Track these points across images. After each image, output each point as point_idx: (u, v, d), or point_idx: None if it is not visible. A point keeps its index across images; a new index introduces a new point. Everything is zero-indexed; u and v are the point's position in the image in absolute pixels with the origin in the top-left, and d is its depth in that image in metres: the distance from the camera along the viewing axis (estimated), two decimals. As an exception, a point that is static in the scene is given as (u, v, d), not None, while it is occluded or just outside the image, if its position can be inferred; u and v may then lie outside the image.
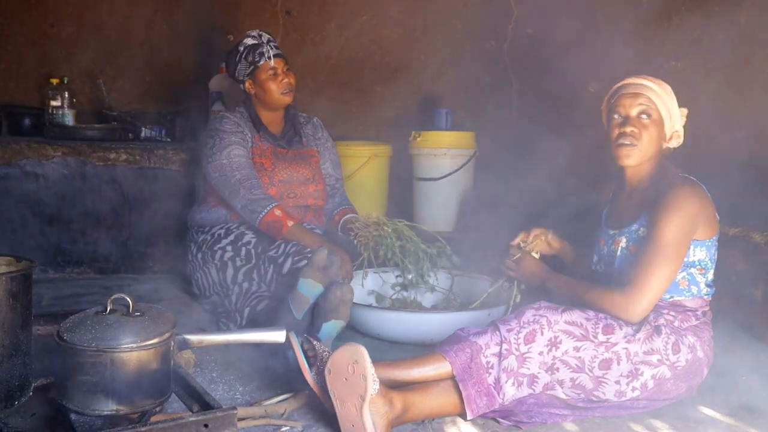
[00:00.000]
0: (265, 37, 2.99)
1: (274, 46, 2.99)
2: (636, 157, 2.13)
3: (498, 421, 2.03)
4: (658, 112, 2.12)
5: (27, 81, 4.13)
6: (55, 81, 3.92)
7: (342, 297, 2.42)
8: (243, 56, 2.96)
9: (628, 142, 2.12)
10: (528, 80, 4.09)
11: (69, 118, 3.88)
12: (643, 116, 2.12)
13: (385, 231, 2.84)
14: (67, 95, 3.91)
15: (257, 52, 2.95)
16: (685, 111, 2.18)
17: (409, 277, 2.90)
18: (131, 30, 4.29)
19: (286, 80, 2.98)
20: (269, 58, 2.95)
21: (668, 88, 2.16)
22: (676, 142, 2.18)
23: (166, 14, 4.34)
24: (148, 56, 4.32)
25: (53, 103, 3.88)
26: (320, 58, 4.45)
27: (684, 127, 2.20)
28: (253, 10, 4.39)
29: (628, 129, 2.11)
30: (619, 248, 2.19)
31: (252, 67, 2.96)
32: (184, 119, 4.10)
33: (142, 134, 3.98)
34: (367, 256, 2.85)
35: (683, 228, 2.03)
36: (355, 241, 2.90)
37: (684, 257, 2.06)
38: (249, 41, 2.98)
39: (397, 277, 2.96)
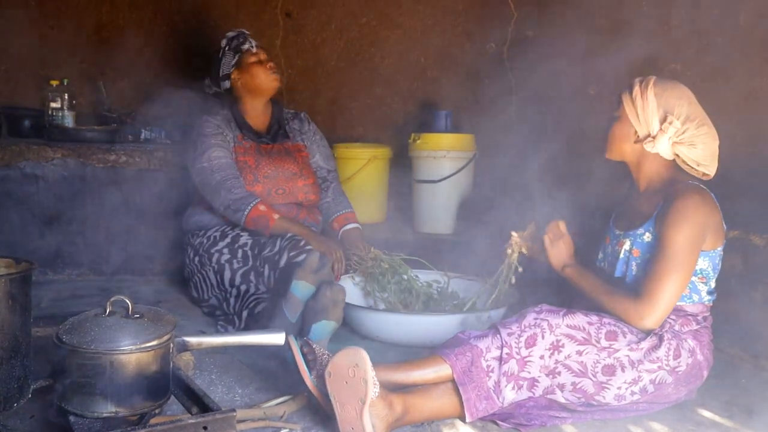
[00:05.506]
0: (245, 33, 3.13)
1: (253, 42, 3.14)
2: (608, 151, 2.26)
3: (497, 424, 2.02)
4: (623, 111, 2.18)
5: (27, 82, 4.13)
6: (54, 82, 3.91)
7: (332, 297, 2.38)
8: (226, 48, 3.09)
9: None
10: (528, 82, 4.08)
11: (69, 120, 3.87)
12: (615, 114, 2.22)
13: (382, 267, 2.87)
14: (66, 97, 3.90)
15: (239, 40, 3.09)
16: (671, 119, 2.08)
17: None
18: (131, 31, 4.29)
19: (271, 63, 3.09)
20: (252, 47, 3.08)
21: (650, 93, 2.11)
22: (656, 147, 2.12)
23: (165, 15, 4.34)
24: (148, 57, 4.31)
25: (53, 104, 3.87)
26: (320, 60, 4.45)
27: (677, 142, 2.11)
28: (252, 12, 4.39)
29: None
30: (623, 250, 2.18)
31: (237, 55, 3.06)
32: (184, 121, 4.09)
33: (142, 136, 3.97)
34: (371, 290, 2.90)
35: (692, 237, 2.02)
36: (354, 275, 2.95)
37: (694, 266, 2.06)
38: (230, 34, 3.13)
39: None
